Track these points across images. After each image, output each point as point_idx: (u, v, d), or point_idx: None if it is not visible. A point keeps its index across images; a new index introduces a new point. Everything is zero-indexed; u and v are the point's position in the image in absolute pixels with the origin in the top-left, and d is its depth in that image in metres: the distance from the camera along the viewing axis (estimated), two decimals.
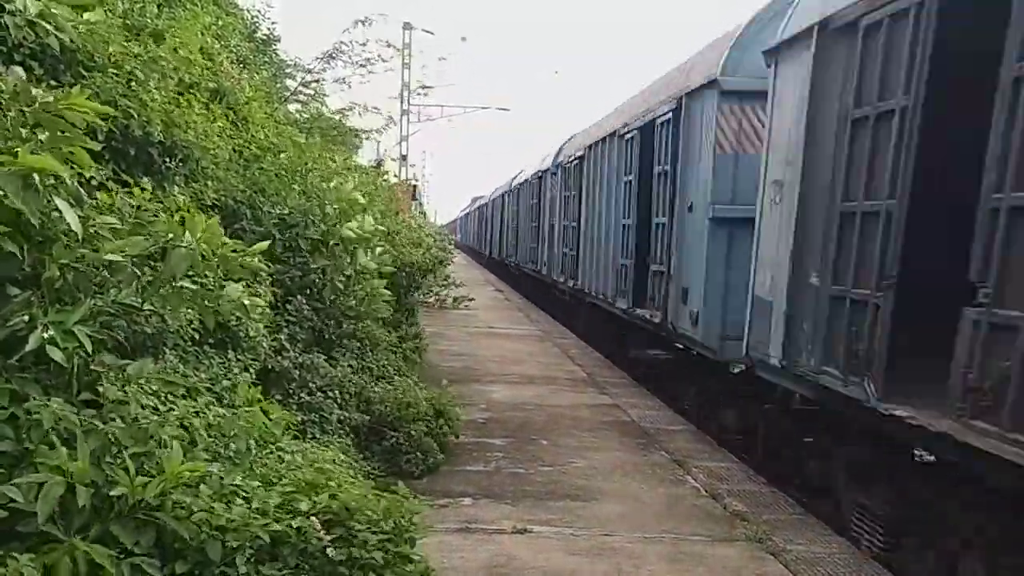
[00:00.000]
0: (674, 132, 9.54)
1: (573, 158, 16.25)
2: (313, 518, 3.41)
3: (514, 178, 28.51)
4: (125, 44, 5.03)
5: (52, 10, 3.79)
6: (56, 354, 3.11)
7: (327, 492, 3.63)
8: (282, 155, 7.67)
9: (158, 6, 6.63)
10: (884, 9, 5.27)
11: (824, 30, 6.02)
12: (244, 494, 3.48)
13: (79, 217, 3.19)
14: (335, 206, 7.12)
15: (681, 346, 9.97)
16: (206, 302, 3.91)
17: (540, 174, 21.05)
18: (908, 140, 4.95)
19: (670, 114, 9.68)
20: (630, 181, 11.67)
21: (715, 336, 8.34)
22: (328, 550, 3.34)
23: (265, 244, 4.47)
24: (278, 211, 6.68)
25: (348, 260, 7.23)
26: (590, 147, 14.69)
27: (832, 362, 5.67)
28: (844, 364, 5.44)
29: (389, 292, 7.96)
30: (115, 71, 4.73)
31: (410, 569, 3.61)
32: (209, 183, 5.90)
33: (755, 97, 7.89)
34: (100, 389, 3.45)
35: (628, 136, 11.87)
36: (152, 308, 3.79)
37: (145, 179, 4.40)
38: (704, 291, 8.53)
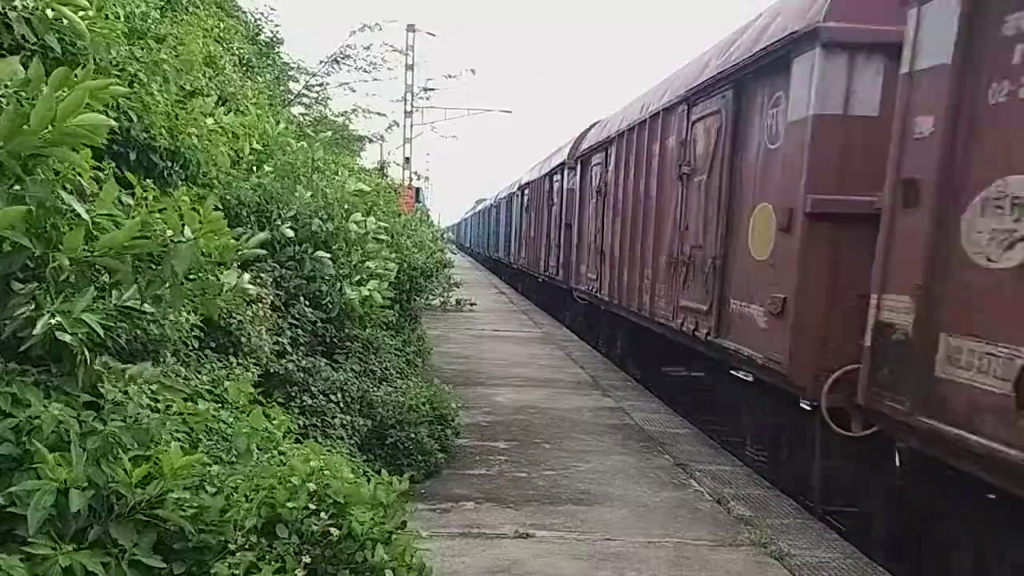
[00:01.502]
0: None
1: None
2: (307, 497, 3.43)
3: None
4: (128, 47, 5.03)
5: (65, 10, 3.78)
6: (66, 338, 3.09)
7: (320, 464, 3.64)
8: (284, 159, 7.68)
9: (160, 9, 6.63)
10: None
11: None
12: (242, 488, 3.48)
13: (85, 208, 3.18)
14: (341, 204, 7.13)
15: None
16: (206, 293, 3.89)
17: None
18: None
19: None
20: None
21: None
22: (332, 529, 3.34)
23: (264, 235, 4.40)
24: (283, 212, 6.68)
25: (352, 264, 7.24)
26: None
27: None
28: None
29: (392, 294, 7.98)
30: (117, 74, 4.72)
31: (401, 544, 3.63)
32: (212, 186, 5.91)
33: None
34: (100, 390, 3.45)
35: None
36: (152, 309, 3.77)
37: (147, 182, 4.38)
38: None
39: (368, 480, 3.91)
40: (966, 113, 4.48)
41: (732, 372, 8.31)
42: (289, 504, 3.40)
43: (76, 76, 3.13)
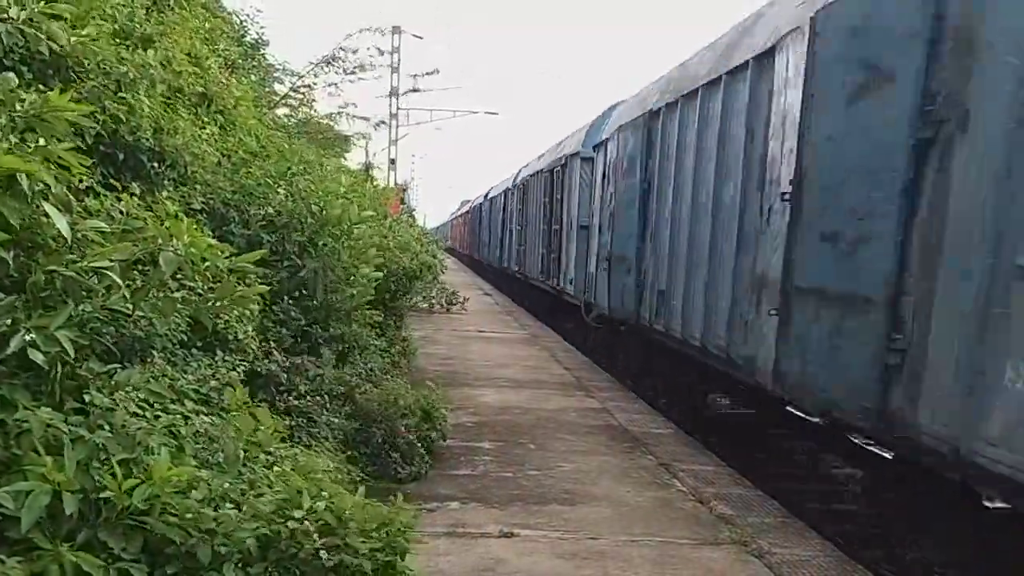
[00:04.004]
0: None
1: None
2: (307, 523, 3.42)
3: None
4: (114, 49, 5.05)
5: (45, 19, 3.81)
6: (38, 357, 3.13)
7: (321, 500, 3.64)
8: (269, 159, 7.70)
9: (146, 10, 6.64)
10: None
11: None
12: (233, 498, 3.49)
13: (68, 222, 3.21)
14: (320, 204, 7.14)
15: None
16: (199, 306, 3.94)
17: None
18: None
19: None
20: None
21: None
22: (321, 553, 3.35)
23: (258, 254, 4.47)
24: (264, 212, 6.70)
25: (336, 259, 7.26)
26: None
27: None
28: None
29: (375, 288, 8.03)
30: (104, 76, 4.74)
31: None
32: (197, 187, 5.92)
33: None
34: (87, 397, 3.47)
35: None
36: (142, 313, 3.80)
37: (134, 184, 4.41)
38: None
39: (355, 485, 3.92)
40: None
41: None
42: (289, 525, 3.41)
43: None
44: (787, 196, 6.18)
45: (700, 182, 8.53)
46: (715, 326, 7.84)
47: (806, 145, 5.85)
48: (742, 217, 7.34)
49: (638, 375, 11.68)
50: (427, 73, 29.41)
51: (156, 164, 5.13)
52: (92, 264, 3.33)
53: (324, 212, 7.05)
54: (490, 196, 33.11)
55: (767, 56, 6.98)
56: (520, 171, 24.94)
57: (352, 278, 7.48)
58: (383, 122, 25.06)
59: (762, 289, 6.70)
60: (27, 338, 3.12)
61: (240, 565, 3.22)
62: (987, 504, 5.01)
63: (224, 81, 7.64)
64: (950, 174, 4.58)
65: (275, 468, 4.08)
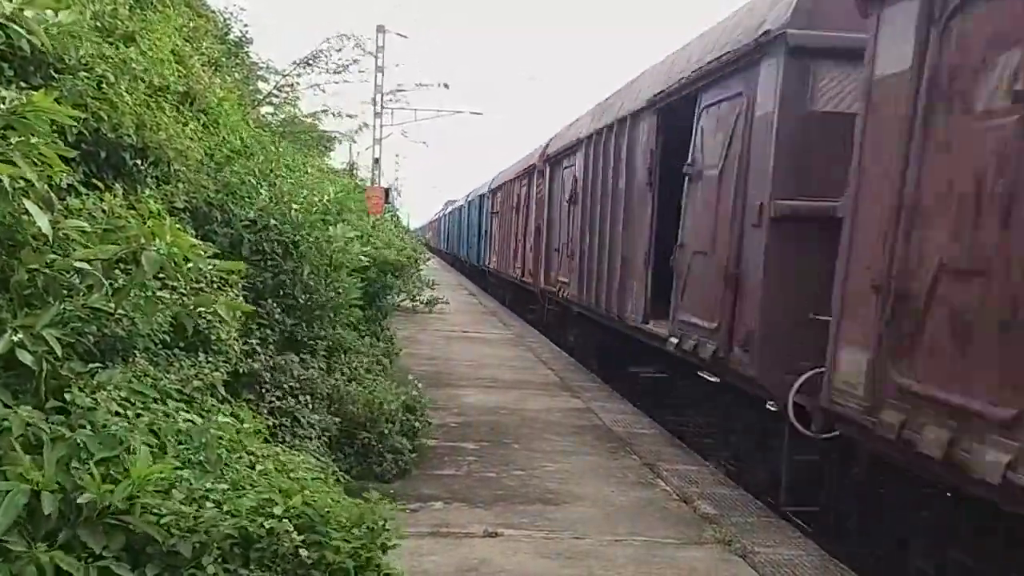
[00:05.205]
0: None
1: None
2: (286, 520, 3.40)
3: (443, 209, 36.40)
4: (96, 45, 5.00)
5: (25, 12, 3.76)
6: (26, 357, 3.10)
7: (301, 497, 3.62)
8: (252, 157, 7.66)
9: (129, 8, 6.58)
10: None
11: None
12: (214, 498, 3.46)
13: (49, 221, 3.18)
14: (300, 212, 7.11)
15: None
16: (181, 308, 3.92)
17: (448, 210, 34.83)
18: None
19: None
20: None
21: None
22: (301, 551, 3.33)
23: (242, 265, 4.47)
24: (247, 213, 6.65)
25: (319, 261, 7.22)
26: None
27: None
28: None
29: (360, 293, 7.99)
30: (86, 73, 4.70)
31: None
32: (180, 185, 5.87)
33: None
34: (68, 396, 3.43)
35: None
36: (124, 313, 3.78)
37: (116, 182, 4.38)
38: None
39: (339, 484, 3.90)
40: None
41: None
42: (266, 524, 3.39)
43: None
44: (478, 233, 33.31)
45: (452, 229, 47.88)
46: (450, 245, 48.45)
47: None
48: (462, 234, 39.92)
49: None
50: (420, 84, 31.16)
51: (138, 161, 5.09)
52: (74, 263, 3.30)
53: (305, 221, 7.03)
54: (446, 212, 50.31)
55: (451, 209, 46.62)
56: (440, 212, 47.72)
57: (333, 280, 7.44)
58: (366, 124, 25.00)
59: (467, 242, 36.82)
60: (15, 338, 3.10)
61: (220, 561, 3.20)
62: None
63: (207, 80, 7.59)
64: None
65: (257, 467, 4.06)
